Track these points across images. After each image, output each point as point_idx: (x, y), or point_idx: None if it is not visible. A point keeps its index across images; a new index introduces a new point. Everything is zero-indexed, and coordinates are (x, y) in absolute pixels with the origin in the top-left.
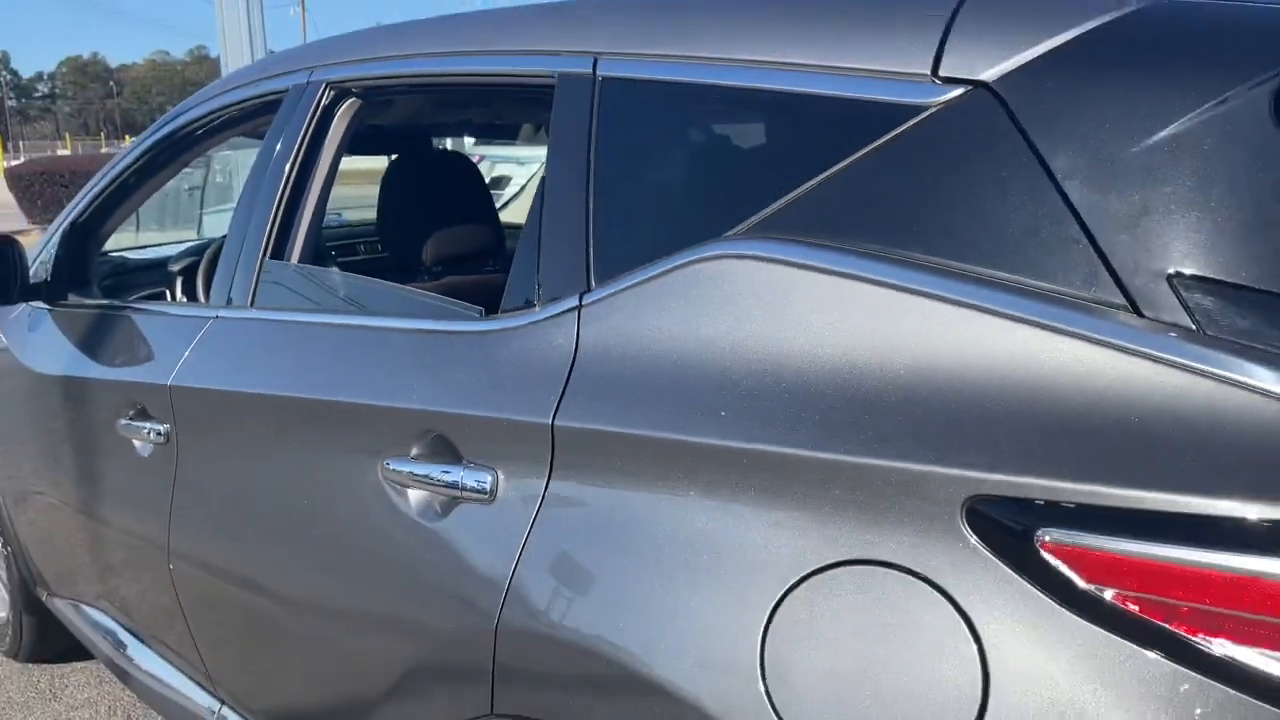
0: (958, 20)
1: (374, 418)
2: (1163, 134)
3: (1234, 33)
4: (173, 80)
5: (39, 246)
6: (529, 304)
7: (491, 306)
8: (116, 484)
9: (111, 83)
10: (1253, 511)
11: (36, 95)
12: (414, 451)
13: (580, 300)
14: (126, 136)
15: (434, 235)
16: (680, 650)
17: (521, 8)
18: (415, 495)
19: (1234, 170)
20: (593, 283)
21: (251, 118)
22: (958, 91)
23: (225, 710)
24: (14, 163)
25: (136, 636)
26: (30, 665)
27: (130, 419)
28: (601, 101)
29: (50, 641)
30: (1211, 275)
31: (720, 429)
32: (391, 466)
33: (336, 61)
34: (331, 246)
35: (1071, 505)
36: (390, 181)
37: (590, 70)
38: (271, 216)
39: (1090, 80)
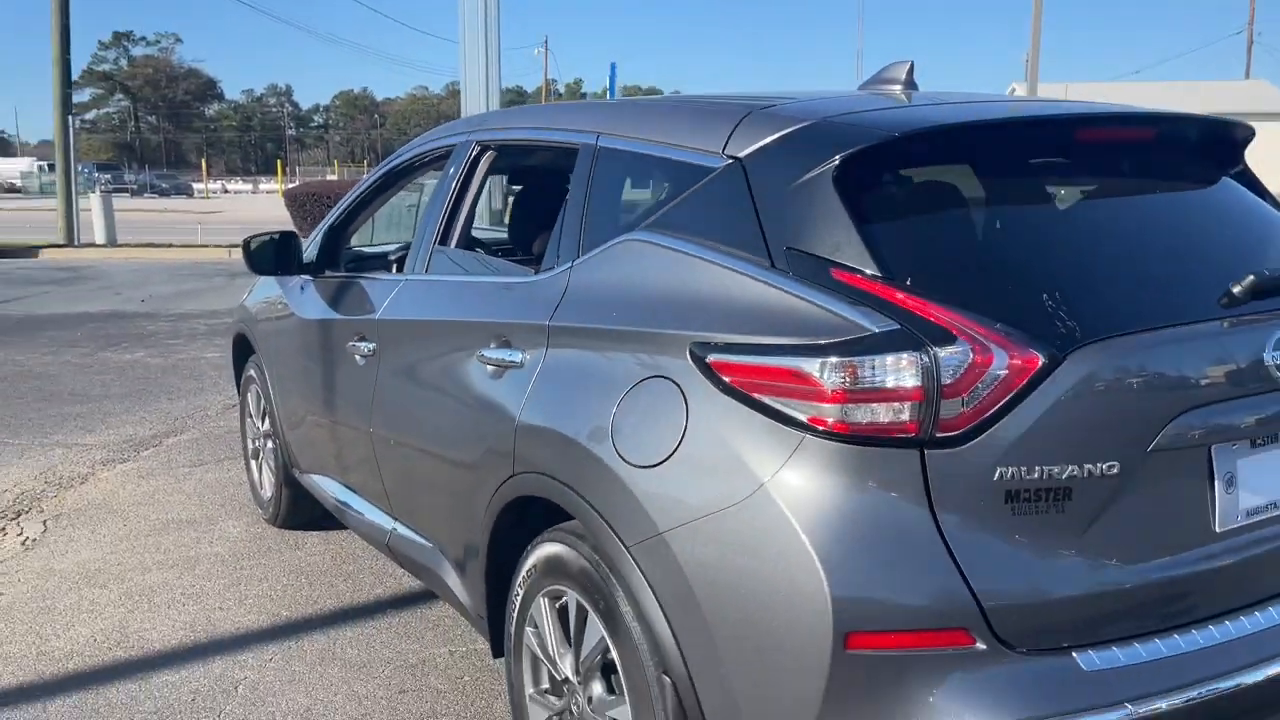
0: (739, 126)
1: (476, 329)
2: (800, 181)
3: (844, 133)
4: (428, 113)
5: (308, 241)
6: (551, 266)
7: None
8: (343, 387)
9: (376, 115)
10: (783, 339)
11: (312, 125)
12: (492, 345)
13: (572, 263)
14: None
15: (535, 233)
16: (591, 422)
17: (566, 104)
18: (490, 368)
19: (831, 200)
20: (579, 254)
21: (438, 160)
22: (729, 161)
23: (397, 525)
24: (290, 185)
25: (349, 488)
26: (284, 530)
27: (354, 342)
28: (596, 159)
29: (298, 512)
30: (818, 253)
31: (619, 320)
32: (483, 354)
33: (480, 129)
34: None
35: (722, 343)
36: (515, 203)
37: (595, 142)
38: (440, 220)
39: (777, 156)
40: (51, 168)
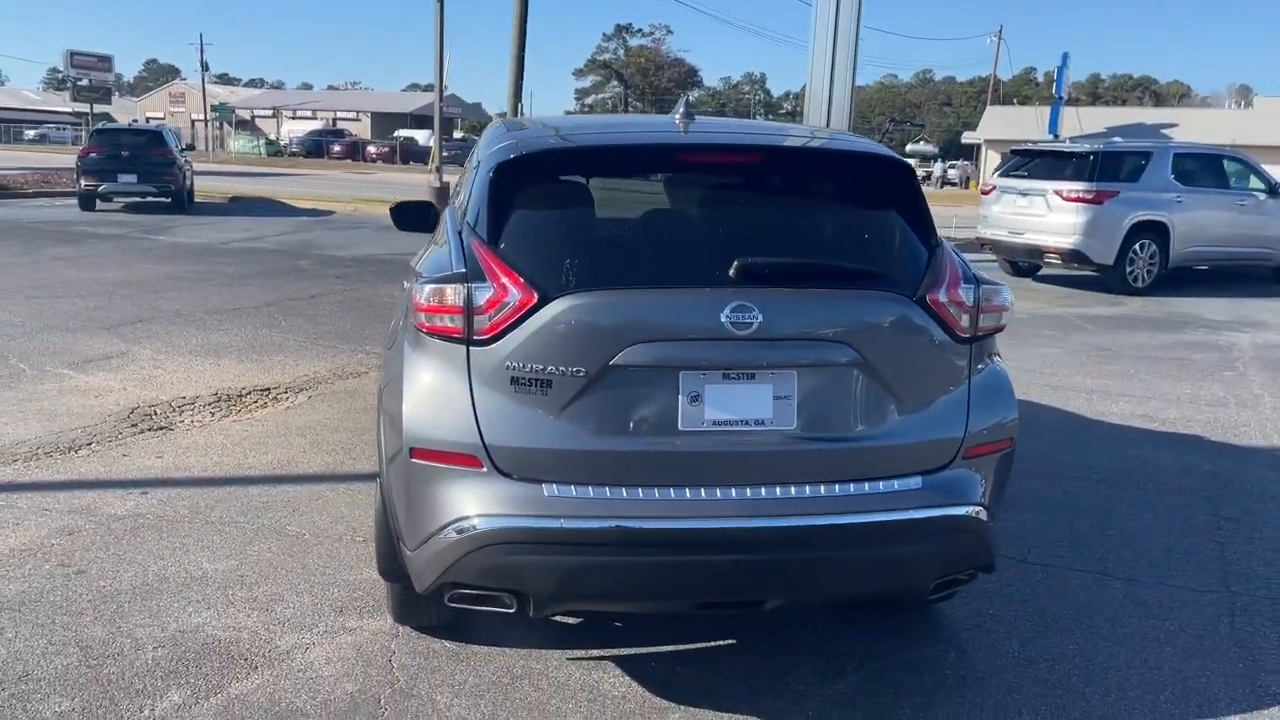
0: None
1: None
2: (481, 180)
3: (500, 154)
4: (894, 102)
5: None
6: None
7: None
8: None
9: None
10: (422, 274)
11: (781, 111)
12: None
13: None
14: None
15: None
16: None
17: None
18: None
19: (484, 193)
20: None
21: None
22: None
23: None
24: None
25: None
26: None
27: None
28: None
29: None
30: (472, 225)
31: None
32: None
33: None
34: None
35: (416, 272)
36: None
37: None
38: None
39: (489, 167)
40: None
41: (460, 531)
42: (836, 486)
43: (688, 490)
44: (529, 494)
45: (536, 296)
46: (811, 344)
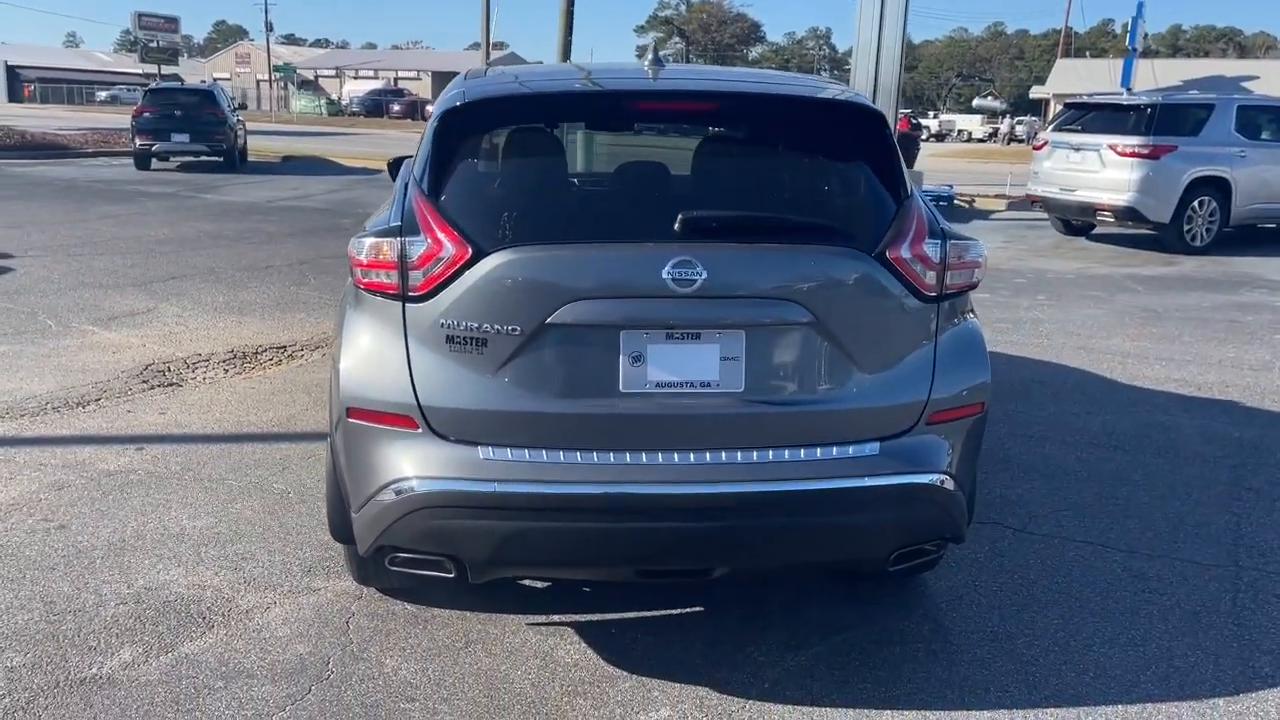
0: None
1: None
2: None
3: (447, 101)
4: (964, 56)
5: None
6: None
7: None
8: None
9: (910, 57)
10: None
11: (845, 68)
12: None
13: None
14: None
15: None
16: None
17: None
18: None
19: (429, 143)
20: None
21: None
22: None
23: None
24: None
25: None
26: None
27: None
28: None
29: None
30: (417, 176)
31: None
32: None
33: None
34: None
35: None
36: None
37: None
38: None
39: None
40: None
41: (397, 494)
42: (786, 452)
43: (629, 454)
44: (465, 456)
45: (470, 251)
46: (761, 303)
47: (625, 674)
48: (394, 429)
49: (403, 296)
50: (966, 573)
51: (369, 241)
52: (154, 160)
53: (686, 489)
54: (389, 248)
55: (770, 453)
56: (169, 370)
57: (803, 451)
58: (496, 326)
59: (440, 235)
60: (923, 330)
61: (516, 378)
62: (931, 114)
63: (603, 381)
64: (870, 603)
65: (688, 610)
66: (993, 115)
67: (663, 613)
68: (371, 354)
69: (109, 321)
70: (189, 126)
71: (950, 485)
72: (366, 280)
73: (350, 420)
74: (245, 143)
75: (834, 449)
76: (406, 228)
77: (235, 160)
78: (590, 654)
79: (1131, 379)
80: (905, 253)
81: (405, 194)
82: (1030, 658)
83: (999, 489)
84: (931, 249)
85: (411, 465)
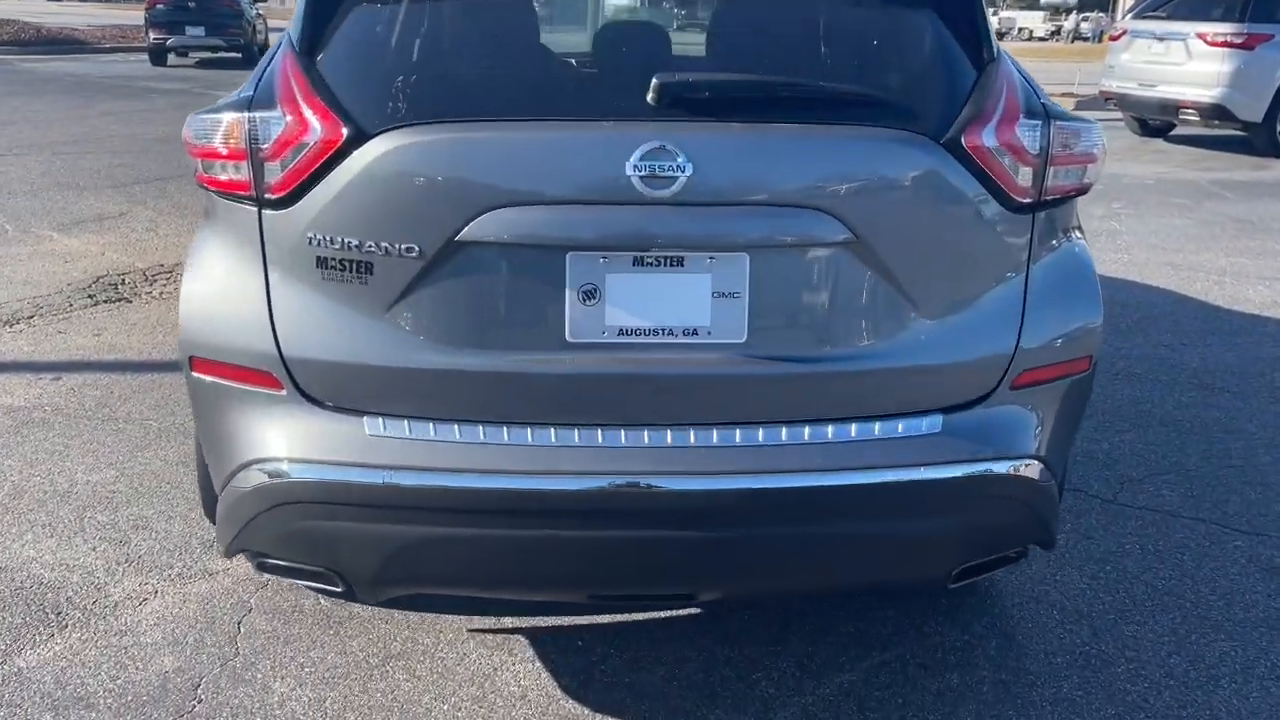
0: None
1: None
2: None
3: None
4: None
5: None
6: None
7: None
8: None
9: None
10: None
11: None
12: None
13: None
14: None
15: None
16: None
17: None
18: None
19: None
20: None
21: None
22: None
23: None
24: None
25: None
26: None
27: None
28: None
29: None
30: (294, 42)
31: None
32: None
33: None
34: None
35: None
36: None
37: None
38: None
39: None
40: None
41: (252, 481)
42: (806, 430)
43: (578, 433)
44: (344, 431)
45: (346, 133)
46: (773, 213)
47: (586, 713)
48: (249, 388)
49: (257, 200)
50: (1044, 561)
51: (208, 120)
52: (170, 56)
53: (662, 483)
54: (235, 127)
55: (783, 431)
56: (123, 283)
57: (830, 430)
58: (386, 245)
59: (306, 110)
60: (1010, 253)
61: (416, 320)
62: (991, 10)
63: (541, 327)
64: (924, 610)
65: (674, 615)
66: (1058, 11)
67: (645, 618)
68: (220, 284)
69: (72, 226)
70: (204, 19)
71: (1040, 475)
72: (209, 176)
73: (195, 375)
74: (266, 38)
75: (876, 426)
76: (260, 99)
77: (254, 55)
78: (543, 679)
79: (1231, 302)
80: (989, 139)
81: (273, 57)
82: (1137, 697)
83: (1081, 442)
84: (1028, 134)
85: (270, 441)
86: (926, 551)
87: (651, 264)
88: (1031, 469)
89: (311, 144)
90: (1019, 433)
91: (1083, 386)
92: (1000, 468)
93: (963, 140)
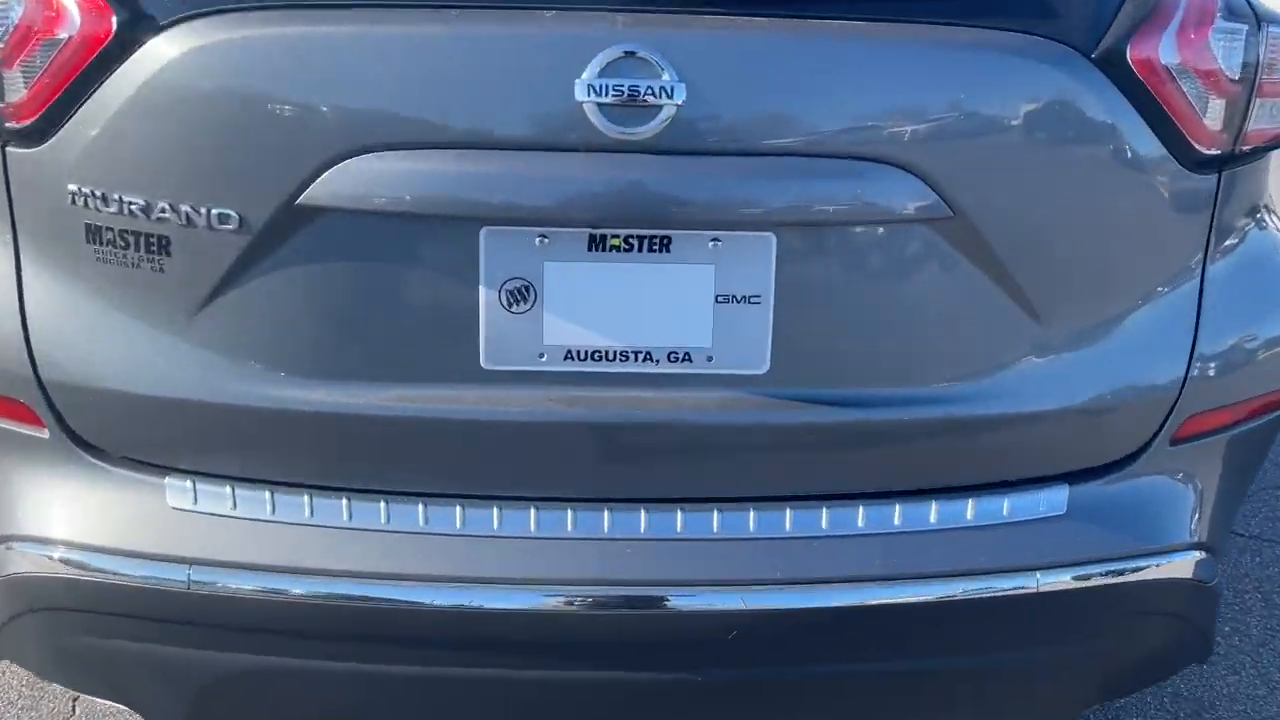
0: None
1: None
2: None
3: None
4: None
5: None
6: None
7: None
8: None
9: None
10: None
11: None
12: None
13: None
14: None
15: None
16: None
17: None
18: None
19: None
20: None
21: None
22: None
23: None
24: None
25: None
26: None
27: None
28: None
29: None
30: None
31: None
32: None
33: None
34: None
35: None
36: None
37: None
38: None
39: None
40: None
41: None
42: (860, 513)
43: (496, 513)
44: (133, 499)
45: (117, 22)
46: (817, 167)
47: None
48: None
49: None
50: None
51: None
52: None
53: (633, 593)
54: None
55: (823, 516)
56: None
57: (898, 513)
58: (187, 210)
59: None
60: (1180, 235)
61: (239, 331)
62: None
63: (439, 347)
64: None
65: None
66: None
67: None
68: None
69: None
70: None
71: (1203, 572)
72: None
73: None
74: None
75: (969, 506)
76: None
77: None
78: None
79: None
80: (1167, 53)
81: None
82: None
83: None
84: (1226, 45)
85: (20, 510)
86: (1034, 697)
87: (618, 248)
88: (1192, 564)
89: (66, 40)
90: (1178, 510)
91: (1268, 435)
92: (1152, 564)
93: (1128, 53)
